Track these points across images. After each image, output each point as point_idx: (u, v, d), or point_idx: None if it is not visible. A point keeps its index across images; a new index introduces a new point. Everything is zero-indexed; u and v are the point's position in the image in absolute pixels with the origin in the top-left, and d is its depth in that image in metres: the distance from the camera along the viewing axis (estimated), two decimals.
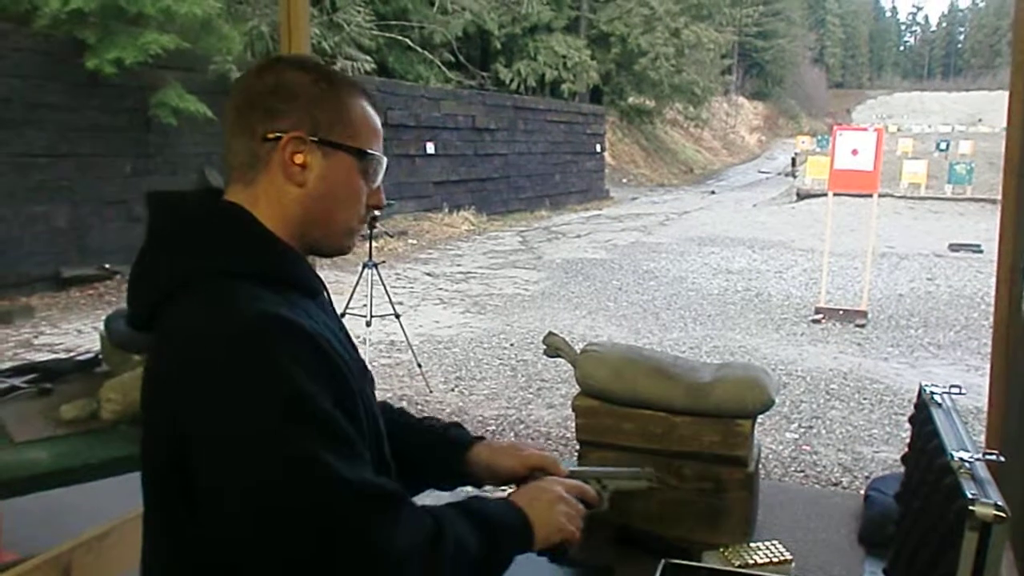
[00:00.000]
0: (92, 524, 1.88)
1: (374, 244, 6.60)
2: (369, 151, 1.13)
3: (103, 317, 2.55)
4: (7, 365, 2.73)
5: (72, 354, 2.72)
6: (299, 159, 1.07)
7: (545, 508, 1.15)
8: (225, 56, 11.30)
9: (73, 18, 9.50)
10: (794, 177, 31.08)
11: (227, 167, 1.11)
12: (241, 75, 1.13)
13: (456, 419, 5.31)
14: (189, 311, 0.97)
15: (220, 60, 11.28)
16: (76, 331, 7.71)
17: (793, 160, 35.77)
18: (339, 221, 1.12)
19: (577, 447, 1.80)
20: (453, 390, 6.01)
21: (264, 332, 0.93)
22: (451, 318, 8.57)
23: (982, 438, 2.16)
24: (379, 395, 1.19)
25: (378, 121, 1.16)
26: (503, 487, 1.31)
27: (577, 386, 1.80)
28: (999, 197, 2.01)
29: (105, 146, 10.07)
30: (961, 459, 1.18)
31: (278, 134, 1.06)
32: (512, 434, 5.14)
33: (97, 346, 2.66)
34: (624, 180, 31.47)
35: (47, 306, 8.76)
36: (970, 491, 1.09)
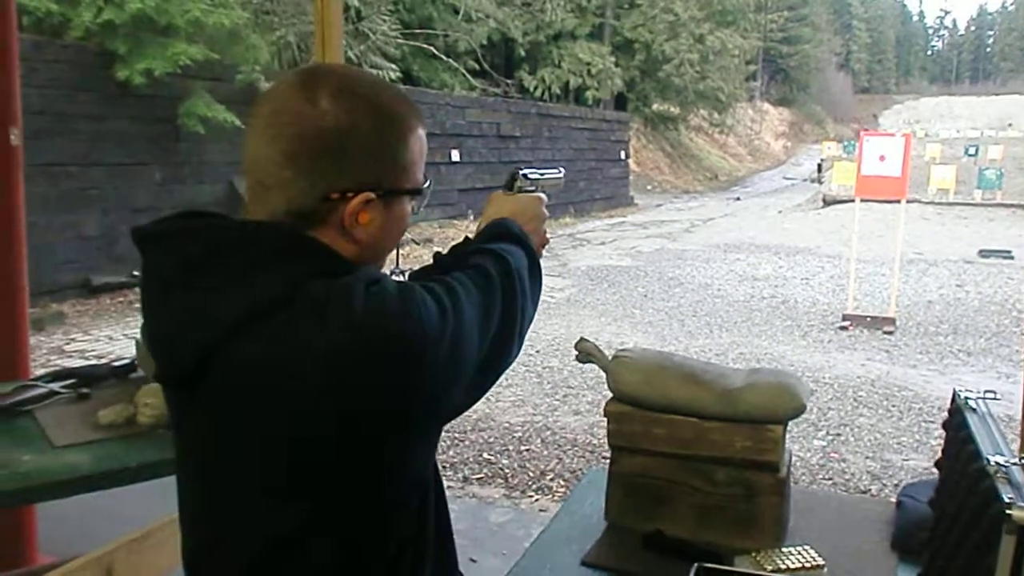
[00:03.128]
0: (129, 527, 1.91)
1: (400, 251, 6.65)
2: (425, 185, 1.09)
3: (134, 324, 2.59)
4: (44, 371, 2.77)
5: (104, 360, 2.76)
6: (364, 218, 1.00)
7: (533, 220, 1.29)
8: (252, 66, 11.42)
9: (104, 30, 9.64)
10: (820, 183, 30.84)
11: (258, 185, 1.00)
12: (284, 89, 1.00)
13: (482, 426, 5.34)
14: (314, 315, 0.91)
15: (247, 70, 11.39)
16: (107, 338, 7.81)
17: (819, 166, 35.51)
18: (387, 253, 1.10)
19: (606, 453, 1.81)
20: None
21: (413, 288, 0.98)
22: None
23: (1016, 445, 2.14)
24: None
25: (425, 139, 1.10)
26: None
27: (606, 393, 1.81)
28: None
29: (135, 155, 10.20)
30: (997, 463, 1.18)
31: (346, 193, 0.98)
32: (539, 440, 5.14)
33: (128, 352, 2.70)
34: (649, 187, 31.40)
35: (78, 313, 8.88)
36: (1007, 495, 1.09)
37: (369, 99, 1.01)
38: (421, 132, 1.07)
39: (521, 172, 1.36)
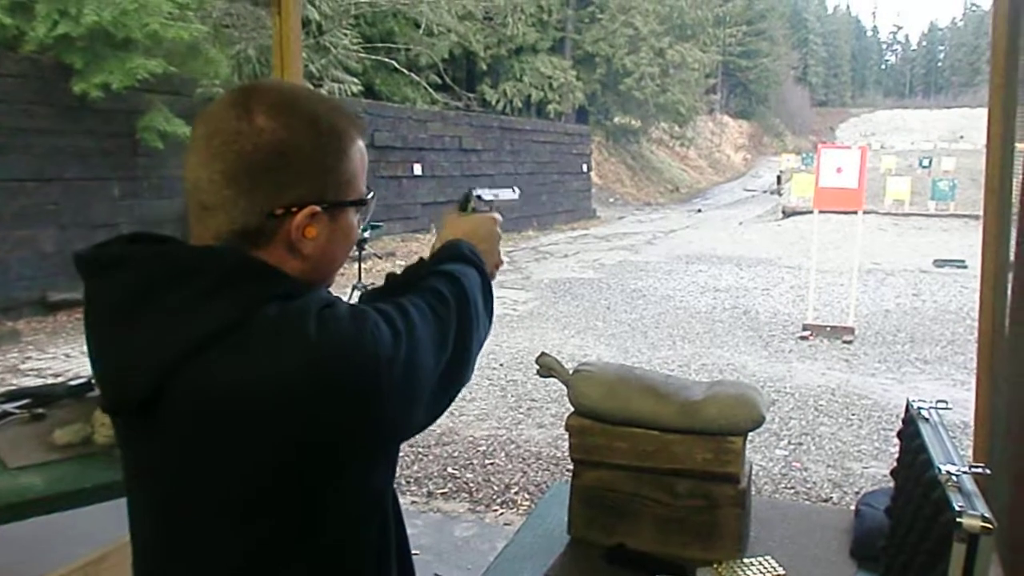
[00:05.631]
0: (85, 549, 1.87)
1: (363, 266, 6.62)
2: (369, 196, 1.08)
3: None
4: None
5: (60, 378, 2.72)
6: (311, 232, 0.99)
7: (487, 241, 1.28)
8: (212, 80, 11.34)
9: (60, 43, 9.50)
10: (779, 195, 31.24)
11: (199, 207, 0.98)
12: (219, 109, 0.99)
13: (446, 440, 5.32)
14: (273, 340, 0.90)
15: (207, 84, 11.31)
16: (64, 355, 7.68)
17: (778, 178, 36.00)
18: (337, 267, 1.09)
19: (570, 466, 1.82)
20: None
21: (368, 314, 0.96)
22: None
23: (969, 452, 2.18)
24: None
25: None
26: None
27: (569, 406, 1.81)
28: (981, 213, 2.05)
29: (92, 170, 10.07)
30: (948, 472, 1.20)
31: (290, 208, 0.97)
32: (503, 453, 5.14)
33: (86, 370, 2.66)
34: (611, 199, 31.60)
35: (34, 330, 8.72)
36: (957, 503, 1.12)
37: (306, 113, 1.00)
38: (361, 143, 1.06)
39: (475, 193, 1.34)
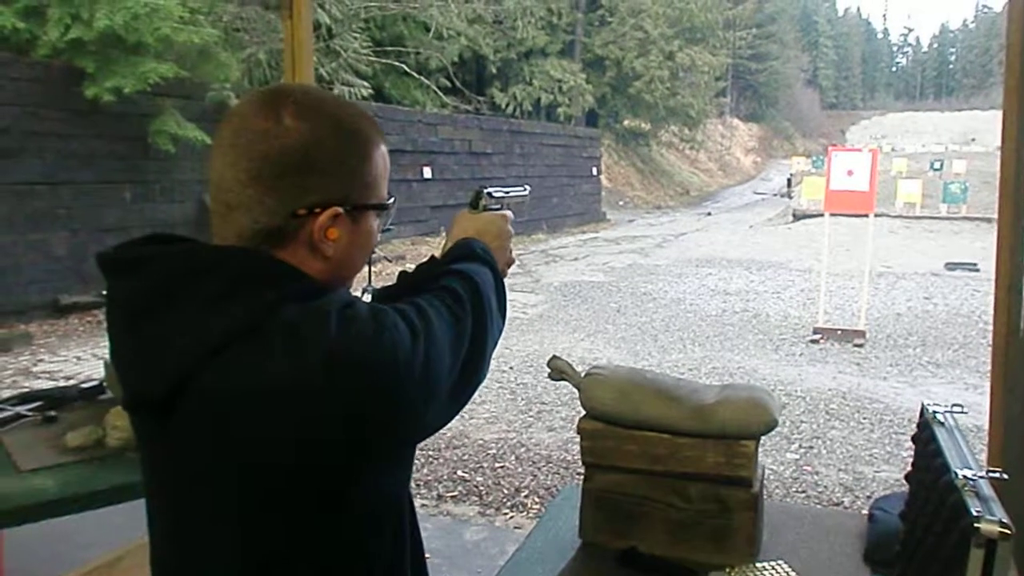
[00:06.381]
0: (98, 552, 1.88)
1: (373, 269, 6.62)
2: (390, 201, 1.09)
3: (103, 344, 2.56)
4: (9, 393, 2.73)
5: (72, 381, 2.73)
6: (333, 234, 0.99)
7: (498, 239, 1.28)
8: (223, 83, 11.39)
9: (72, 47, 9.56)
10: (790, 198, 31.13)
11: (223, 206, 0.99)
12: (246, 109, 1.00)
13: (456, 443, 5.32)
14: (292, 340, 0.89)
15: (218, 88, 11.36)
16: (75, 358, 7.71)
17: (789, 181, 35.91)
18: (356, 271, 1.09)
19: (580, 469, 1.81)
20: None
21: (386, 312, 0.96)
22: None
23: (982, 456, 2.17)
24: None
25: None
26: None
27: (579, 409, 1.81)
28: (994, 216, 2.03)
29: (104, 173, 10.11)
30: (965, 477, 1.19)
31: (313, 209, 0.98)
32: (513, 457, 5.13)
33: (97, 373, 2.67)
34: (620, 202, 31.56)
35: (46, 333, 8.76)
36: (975, 508, 1.11)
37: (332, 116, 1.01)
38: (384, 149, 1.07)
39: (485, 191, 1.34)
